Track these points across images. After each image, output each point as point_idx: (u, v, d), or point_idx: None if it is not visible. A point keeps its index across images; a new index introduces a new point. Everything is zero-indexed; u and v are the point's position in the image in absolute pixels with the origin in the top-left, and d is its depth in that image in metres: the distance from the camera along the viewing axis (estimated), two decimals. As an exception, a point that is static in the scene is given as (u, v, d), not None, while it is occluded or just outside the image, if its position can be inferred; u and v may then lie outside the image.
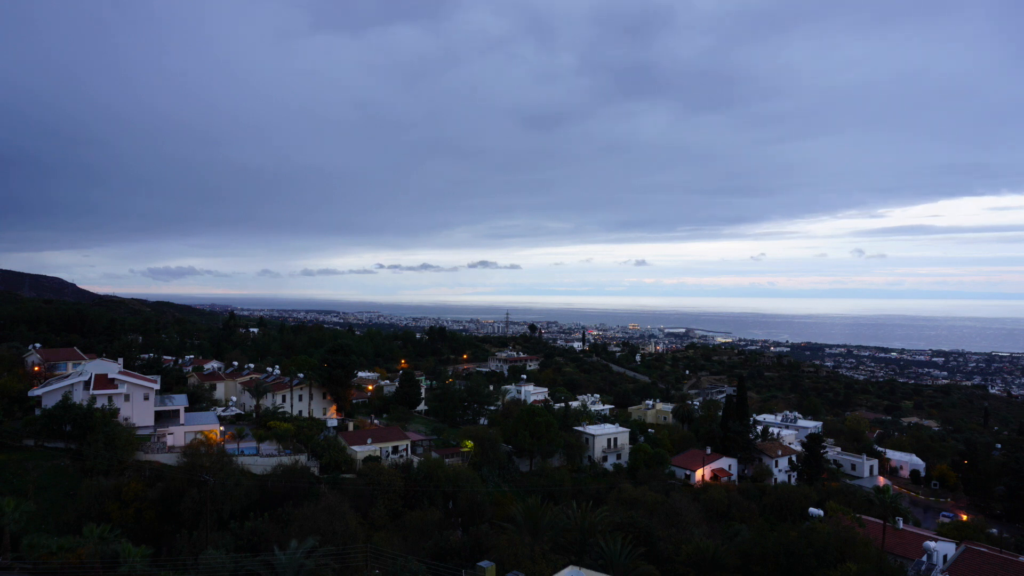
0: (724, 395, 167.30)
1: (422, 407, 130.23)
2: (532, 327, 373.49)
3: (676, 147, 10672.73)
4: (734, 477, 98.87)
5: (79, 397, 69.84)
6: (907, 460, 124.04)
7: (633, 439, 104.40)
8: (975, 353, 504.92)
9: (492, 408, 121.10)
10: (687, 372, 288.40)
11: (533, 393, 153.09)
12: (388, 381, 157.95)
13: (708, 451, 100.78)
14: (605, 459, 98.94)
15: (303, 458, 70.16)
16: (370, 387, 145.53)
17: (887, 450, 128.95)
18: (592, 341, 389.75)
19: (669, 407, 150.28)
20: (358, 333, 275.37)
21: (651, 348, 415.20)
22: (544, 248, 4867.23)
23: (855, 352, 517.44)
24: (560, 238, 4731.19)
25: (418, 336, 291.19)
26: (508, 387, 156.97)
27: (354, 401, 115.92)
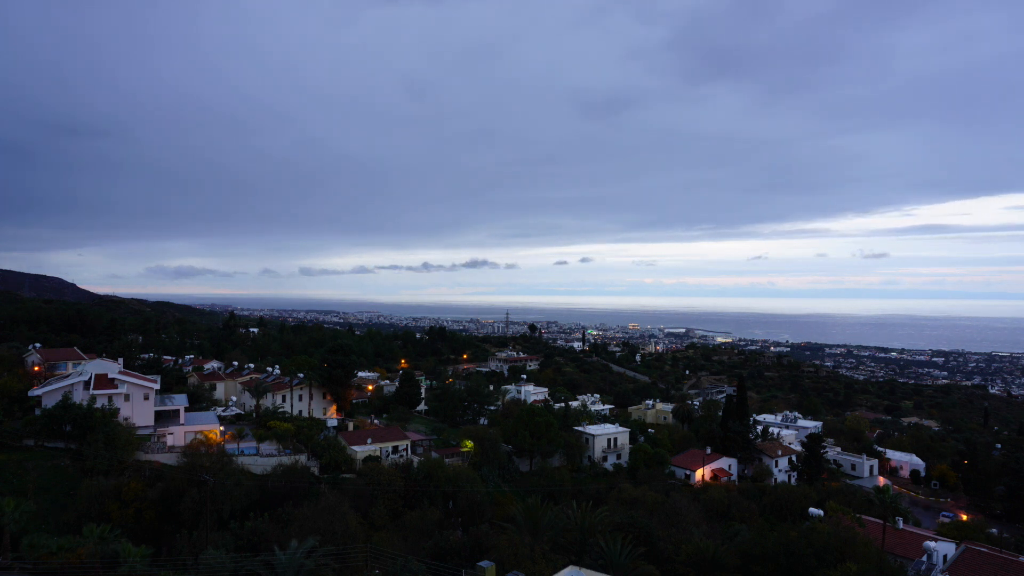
0: (724, 395, 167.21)
1: (422, 407, 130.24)
2: (532, 327, 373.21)
3: (735, 138, 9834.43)
4: (734, 477, 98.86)
5: (79, 397, 69.81)
6: (907, 460, 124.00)
7: (633, 439, 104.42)
8: (975, 353, 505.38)
9: (492, 408, 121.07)
10: (687, 372, 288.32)
11: (533, 393, 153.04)
12: (388, 381, 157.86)
13: (708, 451, 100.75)
14: (605, 459, 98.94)
15: (303, 458, 70.18)
16: (370, 387, 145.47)
17: (887, 450, 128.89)
18: (592, 341, 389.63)
19: (669, 407, 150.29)
20: (358, 333, 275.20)
21: (651, 348, 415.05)
22: (548, 248, 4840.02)
23: (855, 352, 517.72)
24: (569, 237, 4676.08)
25: (418, 336, 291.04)
26: (508, 387, 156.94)
27: (354, 401, 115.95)
